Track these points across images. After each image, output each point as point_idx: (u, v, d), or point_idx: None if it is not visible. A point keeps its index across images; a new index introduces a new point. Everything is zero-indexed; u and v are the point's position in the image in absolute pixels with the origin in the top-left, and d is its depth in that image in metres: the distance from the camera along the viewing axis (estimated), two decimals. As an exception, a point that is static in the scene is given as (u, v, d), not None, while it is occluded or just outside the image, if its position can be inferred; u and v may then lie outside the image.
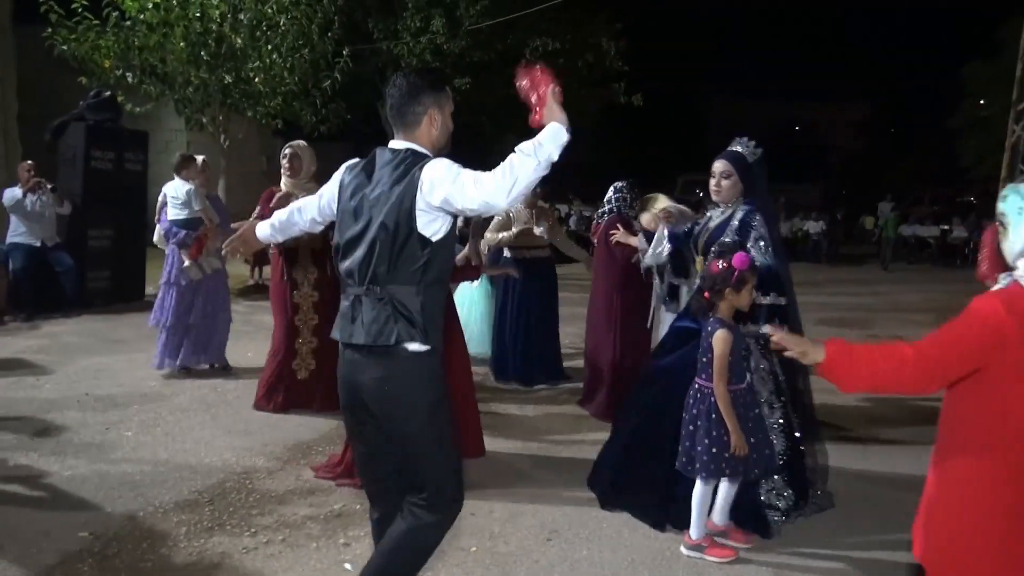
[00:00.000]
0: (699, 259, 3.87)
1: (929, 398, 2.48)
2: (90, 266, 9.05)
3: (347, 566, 3.21)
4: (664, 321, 4.73)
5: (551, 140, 2.24)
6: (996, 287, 1.97)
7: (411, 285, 2.32)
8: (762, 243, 3.61)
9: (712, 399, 3.20)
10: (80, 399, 5.45)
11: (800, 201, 27.42)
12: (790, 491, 3.58)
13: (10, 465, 4.20)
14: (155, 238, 6.38)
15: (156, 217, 6.35)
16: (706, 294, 3.26)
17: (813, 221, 21.95)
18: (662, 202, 5.13)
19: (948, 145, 25.97)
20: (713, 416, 3.19)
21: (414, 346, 2.32)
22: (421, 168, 2.32)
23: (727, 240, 3.62)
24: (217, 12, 10.42)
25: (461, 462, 2.51)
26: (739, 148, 3.83)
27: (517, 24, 17.28)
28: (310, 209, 2.67)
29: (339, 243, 2.44)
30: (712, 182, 3.81)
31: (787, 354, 2.13)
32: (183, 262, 6.06)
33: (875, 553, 3.45)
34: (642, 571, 3.24)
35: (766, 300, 3.52)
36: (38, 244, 8.37)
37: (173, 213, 6.17)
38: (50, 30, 10.19)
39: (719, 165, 3.77)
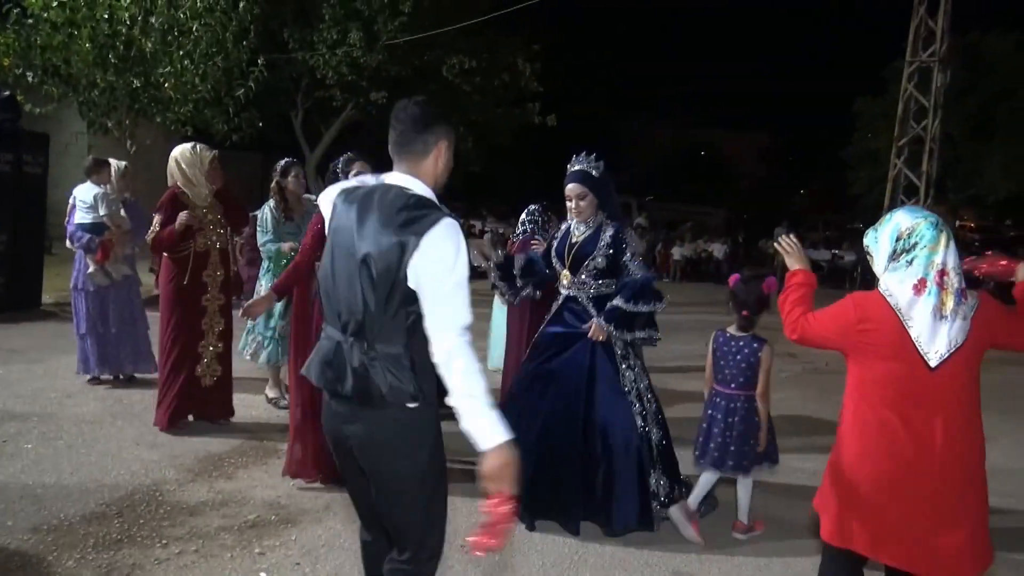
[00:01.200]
0: (565, 272, 4.04)
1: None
2: (-17, 272, 8.62)
3: (262, 575, 3.24)
4: None
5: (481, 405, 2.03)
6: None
7: (400, 340, 2.11)
8: (637, 258, 3.98)
9: (738, 403, 3.81)
10: (-27, 411, 5.23)
11: (707, 223, 28.56)
12: (665, 479, 3.85)
13: (-101, 479, 4.02)
14: (67, 242, 6.22)
15: (66, 219, 6.18)
16: (745, 313, 3.85)
17: (719, 244, 22.91)
18: None
19: (841, 175, 27.57)
20: (736, 419, 3.80)
21: (408, 403, 2.13)
22: (426, 233, 2.05)
23: (600, 254, 3.95)
24: (127, 14, 10.15)
25: (445, 517, 2.32)
26: (582, 166, 4.01)
27: (435, 41, 17.44)
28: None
29: (325, 274, 2.25)
30: (570, 205, 4.03)
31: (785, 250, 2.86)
32: (88, 267, 5.92)
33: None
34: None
35: (647, 308, 3.87)
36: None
37: (80, 216, 6.02)
38: (-56, 25, 9.71)
39: (573, 188, 3.99)
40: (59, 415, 5.23)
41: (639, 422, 3.83)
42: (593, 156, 4.03)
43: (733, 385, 3.82)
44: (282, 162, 5.69)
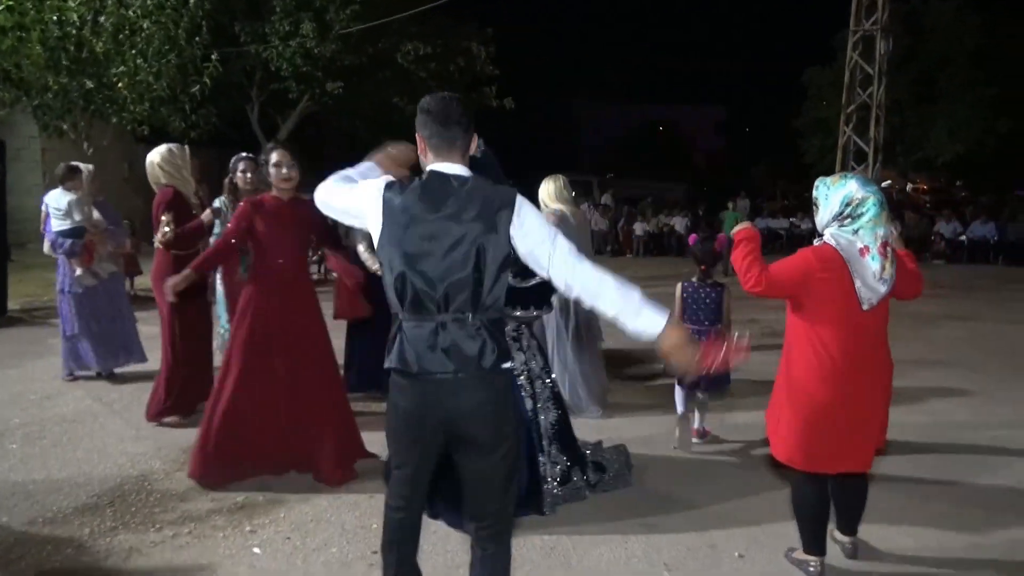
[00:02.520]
0: None
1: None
2: (-54, 281, 8.59)
3: (255, 550, 3.43)
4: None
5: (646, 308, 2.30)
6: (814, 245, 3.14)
7: (499, 306, 2.38)
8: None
9: (708, 336, 4.50)
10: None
11: (666, 198, 28.91)
12: (564, 458, 3.89)
13: None
14: (45, 248, 6.29)
15: (41, 227, 6.28)
16: (703, 267, 4.75)
17: (679, 217, 23.26)
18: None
19: (794, 144, 28.09)
20: None
21: (506, 365, 2.39)
22: (517, 204, 2.35)
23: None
24: (76, 16, 10.09)
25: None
26: None
27: (388, 28, 17.46)
28: (362, 201, 2.45)
29: (405, 269, 2.32)
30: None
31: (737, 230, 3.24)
32: (75, 271, 6.04)
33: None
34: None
35: (534, 282, 3.64)
36: None
37: (57, 224, 6.09)
38: None
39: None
40: (41, 416, 5.34)
41: (527, 404, 3.82)
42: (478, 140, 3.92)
43: (706, 323, 4.76)
44: (233, 158, 5.82)
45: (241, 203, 4.25)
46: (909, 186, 32.45)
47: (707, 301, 4.77)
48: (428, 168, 2.43)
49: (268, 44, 16.70)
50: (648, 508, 3.97)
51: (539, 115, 32.97)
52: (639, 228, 21.85)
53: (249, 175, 5.60)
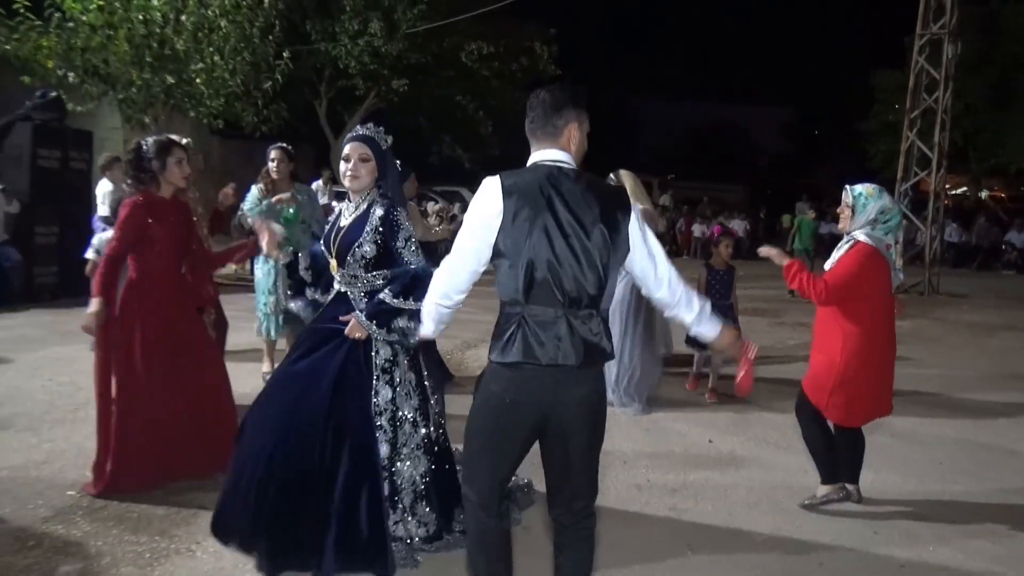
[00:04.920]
0: (333, 262, 3.34)
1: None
2: (37, 262, 9.27)
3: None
4: None
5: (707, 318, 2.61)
6: (844, 248, 3.84)
7: (608, 302, 2.46)
8: (413, 244, 3.27)
9: (722, 310, 5.24)
10: (44, 384, 5.81)
11: (727, 200, 28.68)
12: (435, 516, 3.28)
13: (-10, 440, 4.59)
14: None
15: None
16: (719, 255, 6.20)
17: (739, 220, 23.10)
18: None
19: (861, 148, 27.51)
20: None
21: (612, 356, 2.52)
22: (630, 205, 2.48)
23: (367, 240, 3.23)
24: (160, 15, 10.70)
25: None
26: (369, 132, 3.37)
27: (453, 28, 17.84)
28: (469, 264, 2.46)
29: (529, 264, 2.34)
30: (346, 167, 3.30)
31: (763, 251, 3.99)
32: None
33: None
34: None
35: (418, 305, 2.96)
36: (-12, 243, 8.58)
37: (102, 211, 6.53)
38: (-9, 30, 10.33)
39: (355, 148, 3.29)
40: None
41: (383, 451, 3.17)
42: (382, 128, 3.42)
43: (721, 298, 5.96)
44: (269, 148, 6.03)
45: (129, 209, 3.97)
46: (985, 193, 31.42)
47: (725, 279, 6.16)
48: (535, 158, 2.49)
49: (337, 42, 17.25)
50: (679, 496, 4.18)
51: (600, 114, 32.94)
52: (697, 230, 21.79)
53: (279, 164, 5.83)
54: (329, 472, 3.04)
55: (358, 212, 3.30)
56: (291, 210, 5.78)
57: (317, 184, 13.75)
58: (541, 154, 2.48)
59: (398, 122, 22.66)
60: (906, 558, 3.54)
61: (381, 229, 3.22)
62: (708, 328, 2.63)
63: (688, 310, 2.58)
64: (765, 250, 4.03)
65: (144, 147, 4.05)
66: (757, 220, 23.83)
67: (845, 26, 40.35)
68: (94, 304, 3.81)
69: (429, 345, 4.02)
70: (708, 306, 2.62)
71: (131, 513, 3.69)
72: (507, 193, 2.37)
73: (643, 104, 43.23)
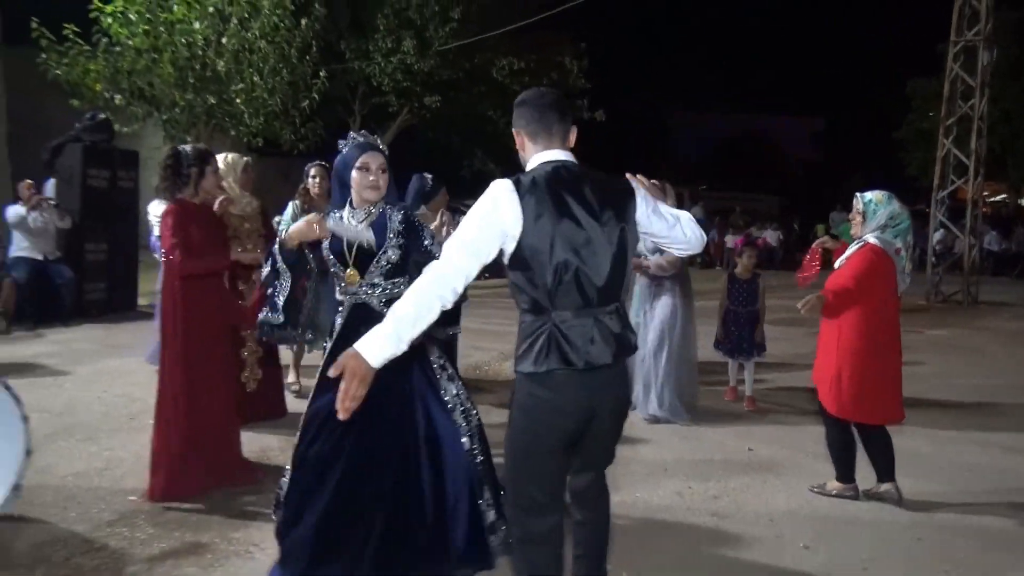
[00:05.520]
0: (351, 272, 3.21)
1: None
2: (87, 278, 9.57)
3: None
4: None
5: None
6: (853, 248, 4.08)
7: (625, 294, 2.50)
8: (436, 240, 3.31)
9: (746, 316, 6.21)
10: (100, 396, 6.03)
11: (759, 210, 28.51)
12: (492, 501, 3.17)
13: (50, 448, 4.78)
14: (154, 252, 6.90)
15: (149, 235, 6.84)
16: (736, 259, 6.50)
17: (771, 230, 22.98)
18: None
19: (895, 157, 27.24)
20: (745, 323, 6.24)
21: None
22: (635, 193, 2.51)
23: (391, 246, 3.20)
24: (202, 38, 11.02)
25: None
26: (378, 143, 3.36)
27: (484, 44, 18.05)
28: (473, 265, 2.35)
29: (557, 268, 2.30)
30: (369, 179, 3.19)
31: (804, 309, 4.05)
32: None
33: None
34: None
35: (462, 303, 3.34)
36: (40, 258, 8.89)
37: (157, 230, 6.72)
38: (43, 55, 10.70)
39: (375, 158, 3.21)
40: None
41: (466, 444, 3.17)
42: (375, 137, 3.40)
43: (746, 305, 6.22)
44: (307, 165, 6.20)
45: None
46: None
47: (749, 287, 6.29)
48: (539, 159, 2.46)
49: (371, 60, 17.54)
50: (721, 503, 4.23)
51: (631, 126, 33.08)
52: (730, 240, 21.72)
53: (320, 181, 5.96)
54: (434, 483, 3.08)
55: (370, 220, 3.23)
56: None
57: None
58: (548, 154, 2.45)
59: (430, 137, 23.03)
60: (951, 563, 3.56)
61: (404, 233, 3.21)
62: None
63: (697, 242, 2.67)
64: (805, 307, 4.02)
65: (183, 153, 4.19)
66: (790, 230, 23.67)
67: (877, 35, 40.04)
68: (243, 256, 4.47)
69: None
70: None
71: (191, 517, 3.84)
72: (524, 199, 2.31)
73: (674, 116, 43.20)
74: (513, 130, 2.54)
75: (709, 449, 5.15)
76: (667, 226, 2.57)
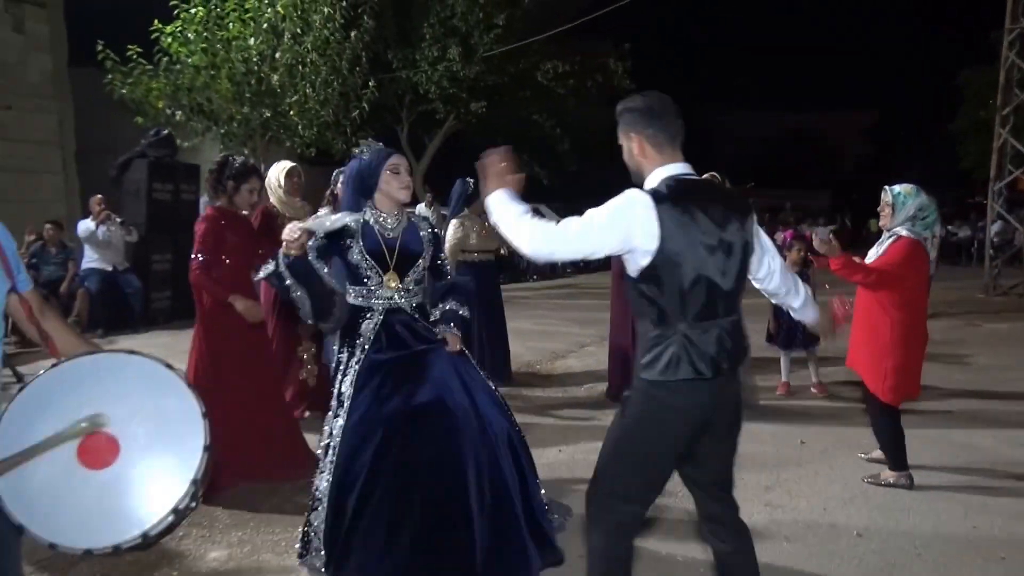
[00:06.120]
0: (392, 276, 3.24)
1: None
2: (154, 287, 10.02)
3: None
4: None
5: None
6: (886, 242, 4.21)
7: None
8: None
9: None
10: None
11: (810, 206, 28.11)
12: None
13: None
14: None
15: None
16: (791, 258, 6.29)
17: (821, 227, 22.66)
18: None
19: (950, 149, 26.61)
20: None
21: None
22: (746, 202, 2.57)
23: (426, 253, 3.34)
24: (257, 54, 11.43)
25: None
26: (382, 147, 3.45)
27: (528, 49, 18.23)
28: (578, 246, 2.43)
29: (693, 283, 2.34)
30: (403, 180, 3.29)
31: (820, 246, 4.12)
32: None
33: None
34: None
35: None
36: (110, 269, 9.36)
37: None
38: (109, 76, 11.23)
39: (402, 160, 3.35)
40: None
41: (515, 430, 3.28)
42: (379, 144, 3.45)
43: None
44: (335, 171, 6.03)
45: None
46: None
47: None
48: (668, 171, 2.43)
49: (418, 69, 17.87)
50: (773, 493, 4.31)
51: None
52: (779, 237, 21.48)
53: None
54: (519, 478, 3.17)
55: (402, 225, 3.30)
56: None
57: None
58: (677, 167, 2.45)
59: (477, 143, 23.30)
60: (1006, 550, 3.58)
61: (433, 242, 3.35)
62: (811, 312, 2.85)
63: (796, 297, 2.79)
64: (820, 244, 4.17)
65: (230, 163, 4.37)
66: (843, 226, 23.31)
67: (928, 25, 39.14)
68: (238, 303, 4.18)
69: None
70: (810, 293, 2.86)
71: (260, 509, 4.07)
72: (662, 213, 2.31)
73: (722, 115, 42.84)
74: (627, 134, 2.50)
75: (760, 441, 5.21)
76: (761, 250, 2.64)
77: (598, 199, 2.44)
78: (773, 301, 2.89)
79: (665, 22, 33.73)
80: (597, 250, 2.42)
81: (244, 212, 4.54)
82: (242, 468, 4.23)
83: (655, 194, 2.35)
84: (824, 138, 43.38)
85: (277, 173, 5.58)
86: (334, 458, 3.07)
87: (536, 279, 18.59)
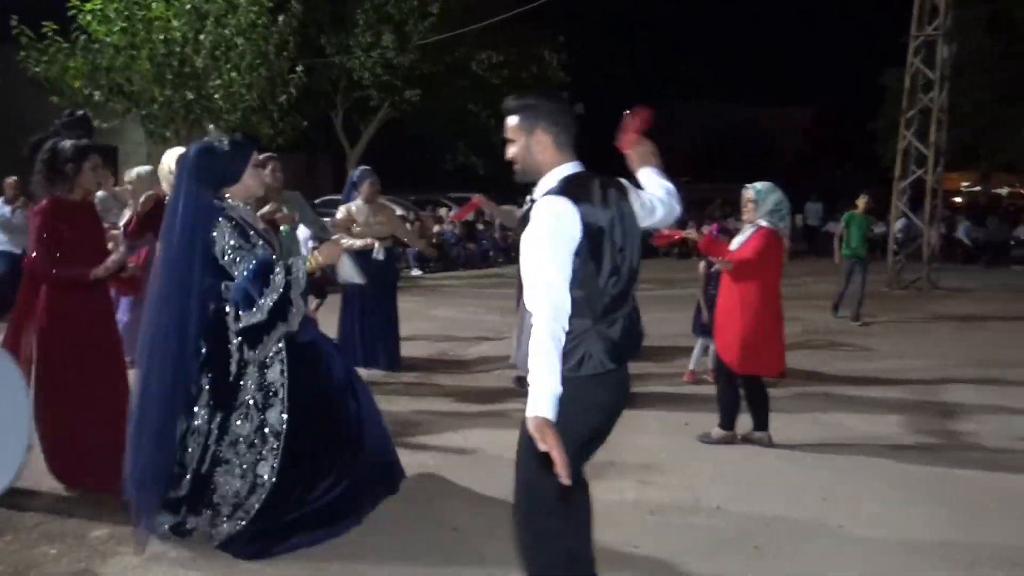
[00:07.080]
0: None
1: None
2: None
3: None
4: None
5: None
6: (749, 231, 4.77)
7: None
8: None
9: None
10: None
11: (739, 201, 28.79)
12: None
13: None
14: None
15: None
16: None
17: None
18: None
19: (873, 148, 27.59)
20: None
21: None
22: (623, 184, 2.59)
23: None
24: (179, 35, 11.29)
25: None
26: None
27: (464, 38, 18.32)
28: (566, 296, 2.32)
29: (614, 270, 2.39)
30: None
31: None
32: None
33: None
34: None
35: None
36: (19, 252, 9.16)
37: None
38: (23, 52, 10.95)
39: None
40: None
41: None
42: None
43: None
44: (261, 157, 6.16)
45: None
46: (1007, 190, 31.24)
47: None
48: (569, 169, 2.45)
49: (351, 55, 17.81)
50: (646, 472, 4.57)
51: (611, 120, 33.20)
52: (705, 230, 22.01)
53: (274, 173, 5.73)
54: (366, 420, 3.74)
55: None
56: (284, 228, 5.87)
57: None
58: (571, 166, 2.47)
59: (412, 131, 23.30)
60: (848, 521, 3.90)
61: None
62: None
63: (673, 196, 2.72)
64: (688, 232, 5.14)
65: (61, 147, 3.94)
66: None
67: (854, 26, 40.42)
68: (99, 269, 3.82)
69: None
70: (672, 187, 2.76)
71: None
72: (583, 215, 2.32)
73: (662, 107, 43.21)
74: (531, 131, 2.45)
75: (645, 427, 5.36)
76: (645, 213, 2.64)
77: (532, 187, 2.57)
78: (669, 221, 2.79)
79: (601, 16, 34.09)
80: (568, 276, 2.30)
81: (92, 192, 4.24)
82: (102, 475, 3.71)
83: (572, 199, 2.33)
84: (761, 134, 44.33)
85: (169, 160, 5.49)
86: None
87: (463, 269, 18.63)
